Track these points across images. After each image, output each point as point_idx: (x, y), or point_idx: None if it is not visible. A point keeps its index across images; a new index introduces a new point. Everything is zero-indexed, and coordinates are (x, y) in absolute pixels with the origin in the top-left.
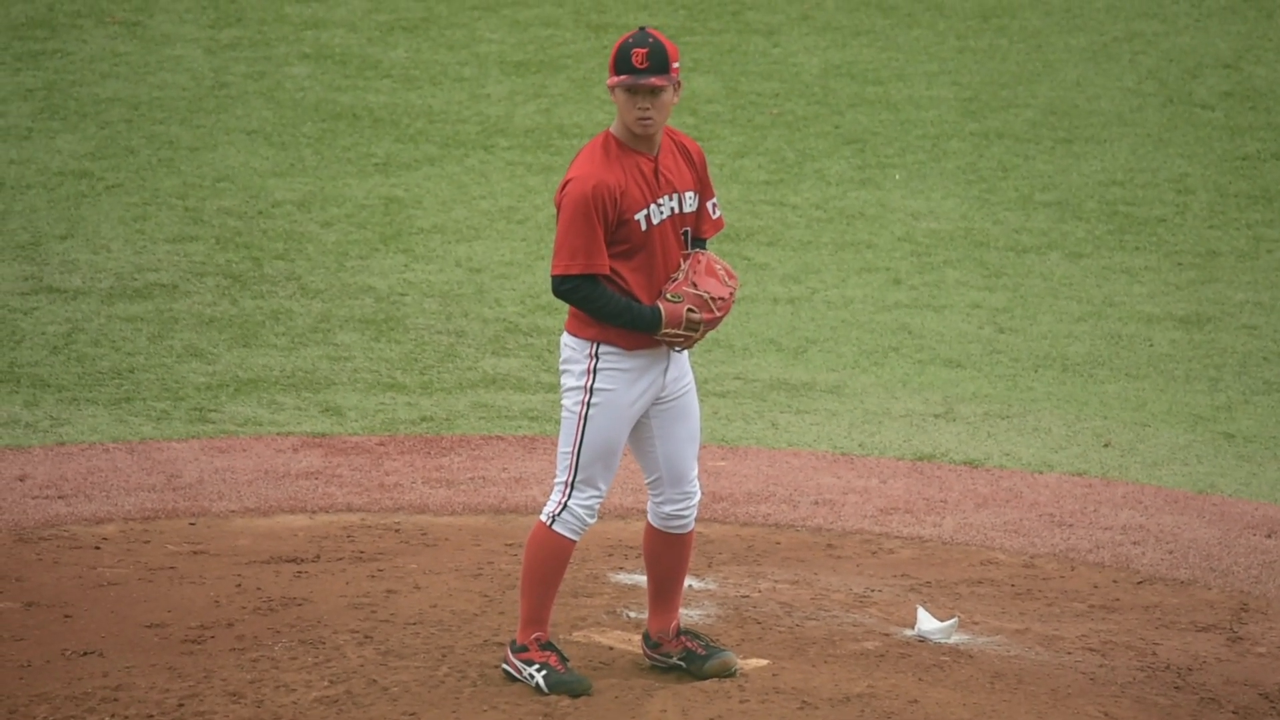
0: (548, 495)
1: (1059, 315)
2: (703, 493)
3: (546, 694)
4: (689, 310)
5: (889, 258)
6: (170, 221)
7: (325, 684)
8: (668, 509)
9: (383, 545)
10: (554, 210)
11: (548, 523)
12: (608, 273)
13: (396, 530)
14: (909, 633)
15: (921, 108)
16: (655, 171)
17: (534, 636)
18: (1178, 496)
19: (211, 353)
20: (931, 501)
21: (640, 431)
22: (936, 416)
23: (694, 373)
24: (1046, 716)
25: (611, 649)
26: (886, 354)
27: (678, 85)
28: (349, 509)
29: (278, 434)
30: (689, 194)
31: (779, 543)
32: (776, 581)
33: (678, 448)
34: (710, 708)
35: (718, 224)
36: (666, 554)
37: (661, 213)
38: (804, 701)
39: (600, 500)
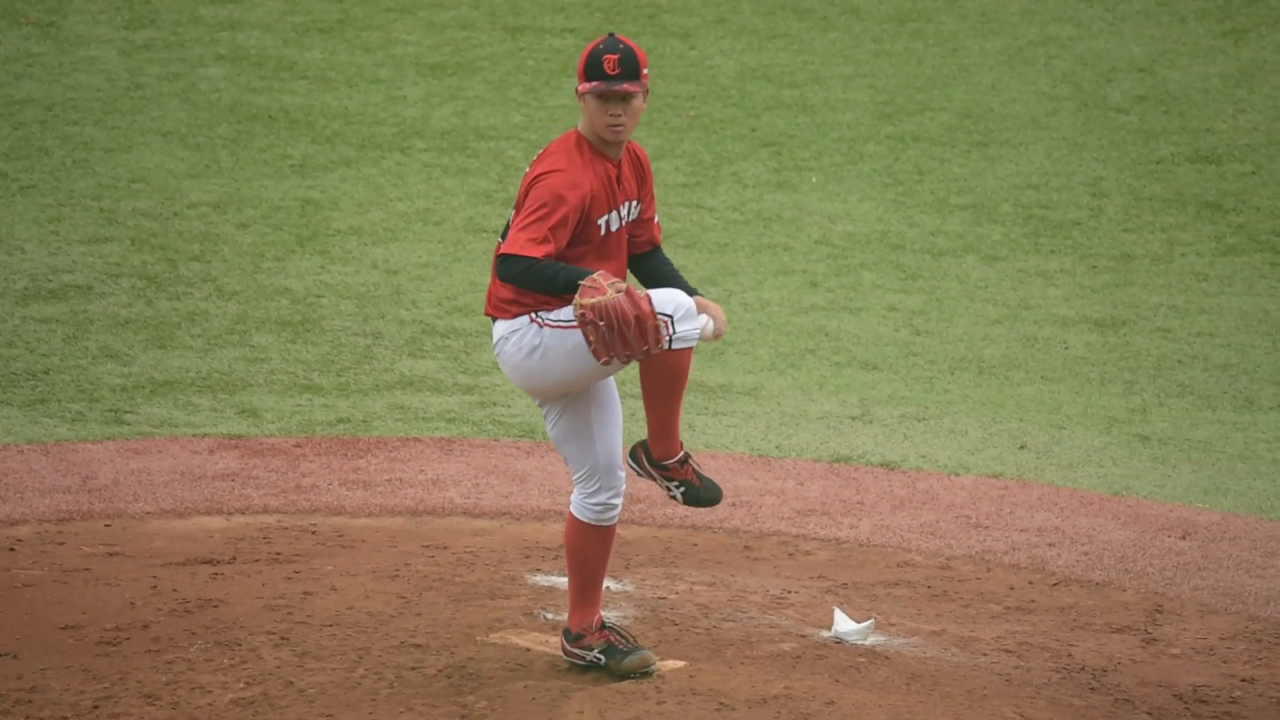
0: (465, 496)
1: (975, 318)
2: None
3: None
4: (592, 299)
5: (806, 260)
6: (85, 222)
7: (241, 685)
8: (601, 498)
9: (299, 547)
10: (466, 216)
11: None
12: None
13: (313, 532)
14: (826, 634)
15: (838, 111)
16: (618, 178)
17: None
18: (1093, 498)
19: (127, 354)
20: (848, 503)
21: (579, 422)
22: (853, 418)
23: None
24: (963, 717)
25: (529, 650)
26: (803, 356)
27: (647, 91)
28: (265, 510)
29: (194, 435)
30: (634, 202)
31: (696, 544)
32: (694, 583)
33: (613, 434)
34: (628, 709)
35: (657, 228)
36: (596, 548)
37: (620, 219)
38: (721, 703)
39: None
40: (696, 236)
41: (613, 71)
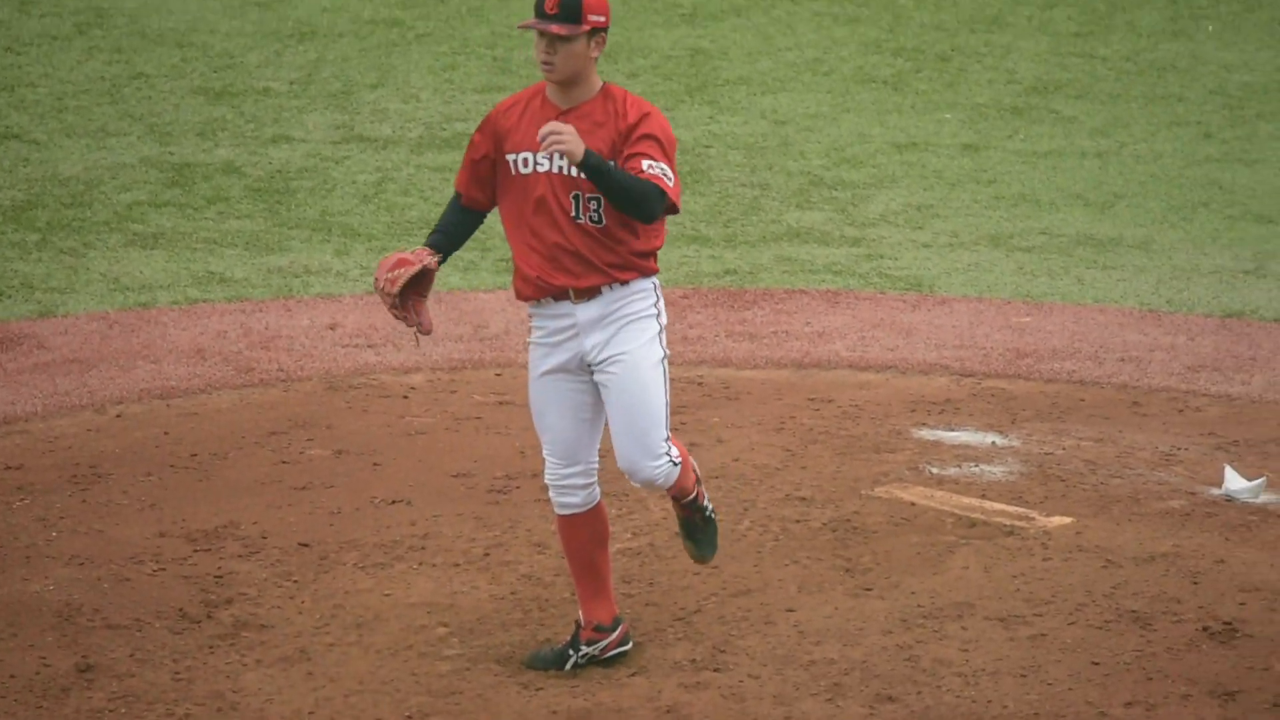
0: (850, 349)
1: None
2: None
3: None
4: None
5: (1200, 111)
6: (479, 71)
7: (629, 536)
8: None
9: (685, 399)
10: (855, 66)
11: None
12: (463, 193)
13: (699, 383)
14: (1216, 492)
15: None
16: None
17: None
18: None
19: None
20: (1240, 359)
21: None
22: (1247, 273)
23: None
24: None
25: (913, 504)
26: (1196, 209)
27: (593, 35)
28: None
29: None
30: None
31: (1084, 399)
32: (1081, 439)
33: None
34: (1013, 564)
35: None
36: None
37: (538, 165)
38: (1108, 559)
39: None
40: (1088, 87)
41: (549, 10)
